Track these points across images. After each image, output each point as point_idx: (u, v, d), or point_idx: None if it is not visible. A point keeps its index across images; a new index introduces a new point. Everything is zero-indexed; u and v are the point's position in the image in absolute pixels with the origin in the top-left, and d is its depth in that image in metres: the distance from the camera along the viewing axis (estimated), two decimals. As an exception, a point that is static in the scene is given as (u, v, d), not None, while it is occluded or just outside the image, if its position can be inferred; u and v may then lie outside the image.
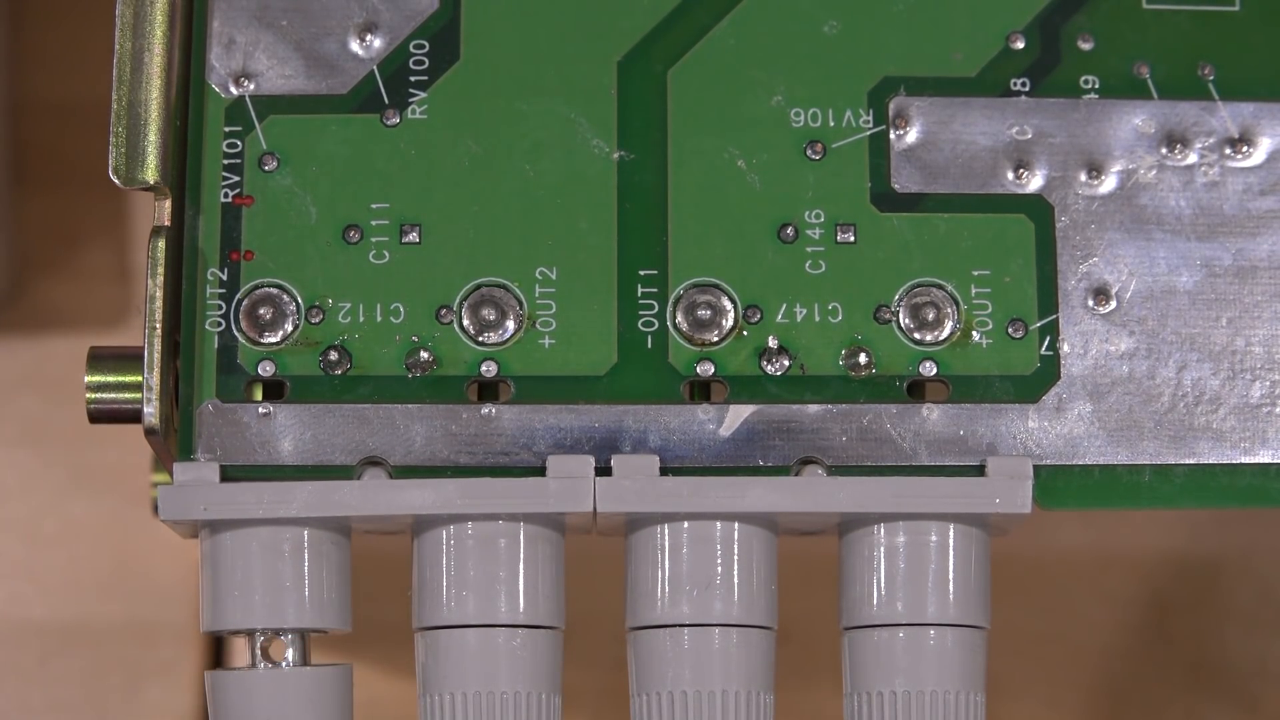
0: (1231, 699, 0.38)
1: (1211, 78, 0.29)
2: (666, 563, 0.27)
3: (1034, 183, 0.28)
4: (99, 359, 0.27)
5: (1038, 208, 0.28)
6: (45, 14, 0.39)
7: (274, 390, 0.28)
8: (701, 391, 0.28)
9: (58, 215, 0.39)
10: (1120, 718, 0.38)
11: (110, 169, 0.27)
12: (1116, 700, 0.38)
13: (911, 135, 0.28)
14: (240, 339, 0.28)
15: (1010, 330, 0.28)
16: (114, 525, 0.38)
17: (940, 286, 0.28)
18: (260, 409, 0.27)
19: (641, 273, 0.28)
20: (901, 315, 0.28)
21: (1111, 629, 0.38)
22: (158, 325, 0.27)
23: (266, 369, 0.28)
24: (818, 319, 0.28)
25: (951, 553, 0.27)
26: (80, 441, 0.38)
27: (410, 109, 0.28)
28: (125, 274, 0.38)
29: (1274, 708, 0.38)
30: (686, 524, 0.27)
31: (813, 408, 0.28)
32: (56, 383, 0.37)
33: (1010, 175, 0.28)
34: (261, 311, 0.28)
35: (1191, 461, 0.28)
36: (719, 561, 0.27)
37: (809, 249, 0.28)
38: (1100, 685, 0.38)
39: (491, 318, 0.28)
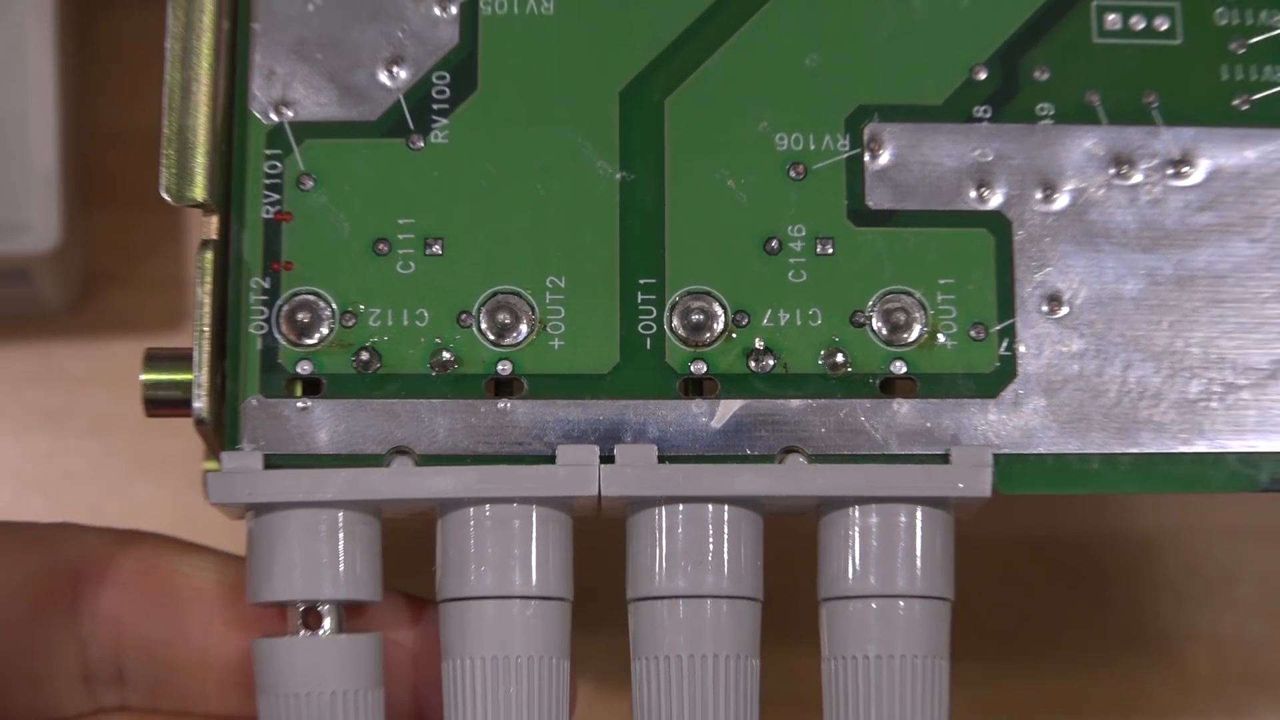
0: (1164, 661, 0.38)
1: (1155, 105, 0.28)
2: (663, 541, 0.27)
3: (994, 200, 0.28)
4: (154, 359, 0.27)
5: (997, 223, 0.28)
6: (108, 52, 0.39)
7: (311, 387, 0.27)
8: (695, 388, 0.27)
9: (121, 231, 0.39)
10: (1067, 675, 0.38)
11: (162, 188, 0.27)
12: (1062, 659, 0.38)
13: (884, 158, 0.28)
14: (281, 341, 0.27)
15: (972, 333, 0.27)
16: (172, 508, 0.37)
17: (909, 294, 0.27)
18: (299, 404, 0.27)
19: (641, 281, 0.27)
20: (874, 320, 0.27)
21: (1058, 598, 0.38)
22: (206, 329, 0.26)
23: (305, 368, 0.27)
24: (799, 323, 0.27)
25: (919, 532, 0.27)
26: (142, 433, 0.37)
27: (433, 134, 0.28)
28: (180, 283, 0.37)
29: (1202, 668, 0.38)
30: (682, 506, 0.27)
31: (795, 402, 0.27)
32: (120, 380, 0.37)
33: (973, 194, 0.28)
34: (300, 316, 0.27)
35: (1135, 451, 0.27)
36: (710, 540, 0.27)
37: (791, 260, 0.27)
38: (1049, 647, 0.38)
39: (507, 321, 0.27)
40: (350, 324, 0.27)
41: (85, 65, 0.39)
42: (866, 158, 0.28)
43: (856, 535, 0.27)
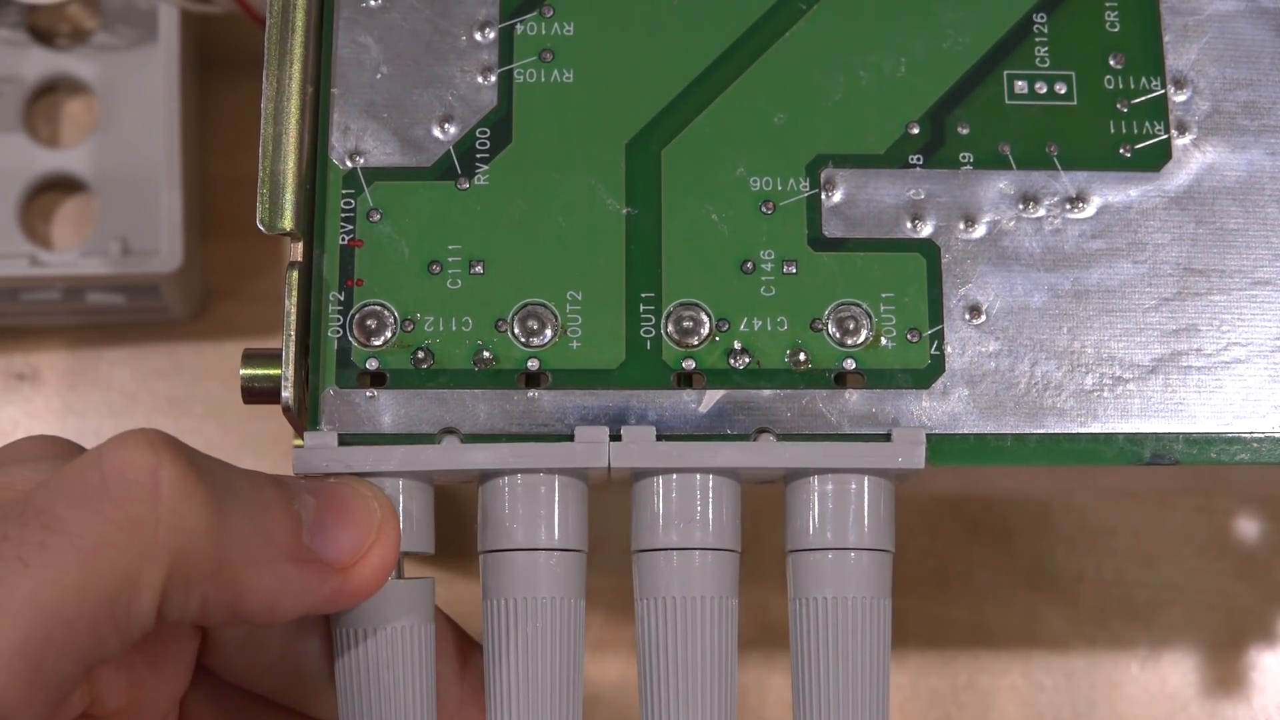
0: (1058, 598, 0.37)
1: (1055, 153, 0.27)
2: (660, 503, 0.26)
3: (925, 230, 0.27)
4: (250, 358, 0.26)
5: (928, 248, 0.27)
6: (220, 114, 0.39)
7: (378, 380, 0.26)
8: (686, 381, 0.26)
9: (233, 257, 0.38)
10: (979, 610, 0.37)
11: (258, 219, 0.26)
12: (976, 597, 0.37)
13: (837, 196, 0.27)
14: (353, 342, 0.26)
15: (909, 336, 0.26)
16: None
17: (858, 305, 0.27)
18: (368, 393, 0.26)
19: (642, 294, 0.26)
20: (830, 326, 0.26)
21: (973, 547, 0.37)
22: (292, 333, 0.26)
23: (372, 364, 0.26)
24: (769, 328, 0.26)
25: (866, 496, 0.26)
26: (247, 416, 0.37)
27: (477, 177, 0.27)
28: (278, 298, 0.37)
29: (1088, 604, 0.37)
30: (675, 476, 0.26)
31: (766, 392, 0.26)
32: (231, 375, 0.37)
33: (908, 225, 0.27)
34: (369, 323, 0.26)
35: (1041, 431, 0.26)
36: (698, 503, 0.26)
37: (763, 278, 0.27)
38: (965, 586, 0.37)
39: (535, 327, 0.26)
40: (409, 329, 0.26)
41: (203, 125, 0.39)
42: (823, 196, 0.27)
43: (816, 499, 0.26)
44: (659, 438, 0.26)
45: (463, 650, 0.27)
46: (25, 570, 0.20)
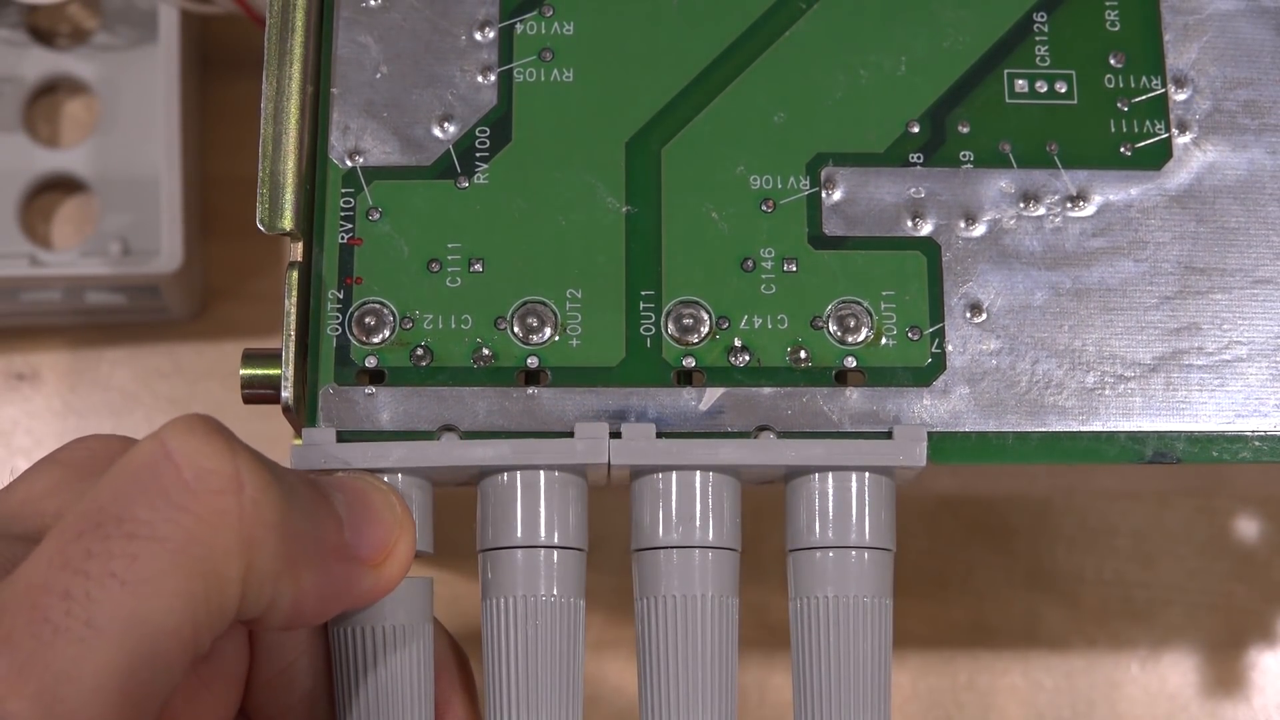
0: (1058, 597, 0.37)
1: (1056, 152, 0.27)
2: (660, 502, 0.26)
3: (926, 228, 0.27)
4: (250, 358, 0.26)
5: (929, 246, 0.27)
6: (221, 114, 0.39)
7: (377, 377, 0.26)
8: (686, 379, 0.26)
9: (233, 256, 0.38)
10: (979, 610, 0.37)
11: (258, 219, 0.26)
12: (976, 597, 0.37)
13: (837, 194, 0.27)
14: (352, 340, 0.26)
15: (909, 334, 0.26)
16: (272, 474, 0.37)
17: (859, 303, 0.26)
18: (366, 391, 0.26)
19: (642, 292, 0.26)
20: (830, 324, 0.26)
21: (973, 547, 0.37)
22: (292, 332, 0.26)
23: (371, 362, 0.26)
24: (770, 326, 0.26)
25: (867, 495, 0.26)
26: (248, 416, 0.36)
27: (476, 176, 0.27)
28: (278, 297, 0.37)
29: (1090, 604, 0.37)
30: (675, 474, 0.26)
31: (766, 390, 0.26)
32: (232, 375, 0.36)
33: (909, 223, 0.27)
34: (368, 321, 0.26)
35: (1043, 429, 0.26)
36: (698, 501, 0.26)
37: (763, 276, 0.26)
38: (965, 586, 0.37)
39: (535, 325, 0.26)
40: (408, 327, 0.26)
41: (203, 125, 0.38)
42: (823, 195, 0.27)
43: (816, 497, 0.26)
44: (659, 435, 0.26)
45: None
46: (122, 587, 0.19)
